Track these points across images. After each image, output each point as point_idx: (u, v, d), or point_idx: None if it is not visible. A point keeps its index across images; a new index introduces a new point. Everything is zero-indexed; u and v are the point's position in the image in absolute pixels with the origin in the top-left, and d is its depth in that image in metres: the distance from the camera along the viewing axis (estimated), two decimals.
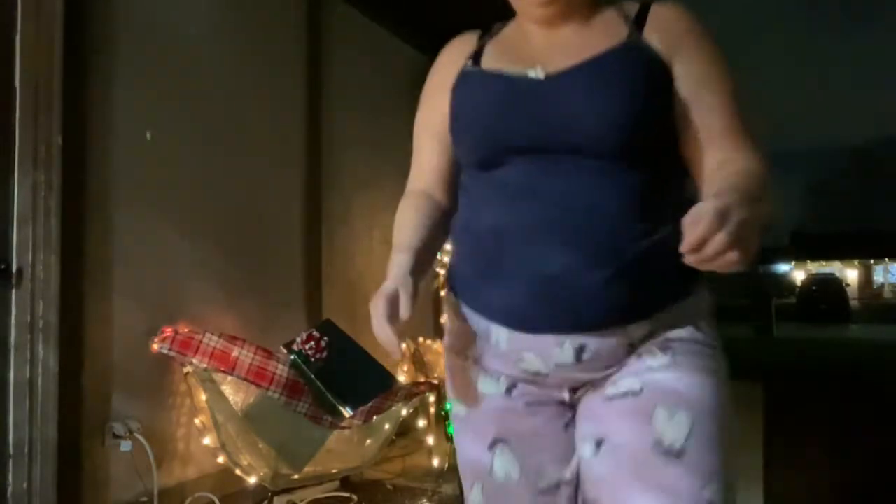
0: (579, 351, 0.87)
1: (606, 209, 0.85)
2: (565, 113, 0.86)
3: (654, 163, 0.89)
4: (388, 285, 0.92)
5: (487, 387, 0.96)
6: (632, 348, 0.89)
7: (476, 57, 1.02)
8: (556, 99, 0.87)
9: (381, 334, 0.88)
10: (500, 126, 0.91)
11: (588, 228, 0.84)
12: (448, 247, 1.10)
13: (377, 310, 0.88)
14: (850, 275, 34.65)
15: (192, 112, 2.65)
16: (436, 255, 1.08)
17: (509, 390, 0.95)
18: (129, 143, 2.39)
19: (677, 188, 0.93)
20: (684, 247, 0.67)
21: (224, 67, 2.81)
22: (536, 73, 0.90)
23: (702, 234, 0.66)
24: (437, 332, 4.03)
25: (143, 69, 2.45)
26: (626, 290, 0.84)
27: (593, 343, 0.87)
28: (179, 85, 2.59)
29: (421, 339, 3.65)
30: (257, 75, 2.99)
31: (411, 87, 4.47)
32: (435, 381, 3.10)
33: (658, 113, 0.88)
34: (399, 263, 0.96)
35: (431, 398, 3.31)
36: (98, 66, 2.30)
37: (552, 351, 0.88)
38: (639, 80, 0.87)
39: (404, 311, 0.88)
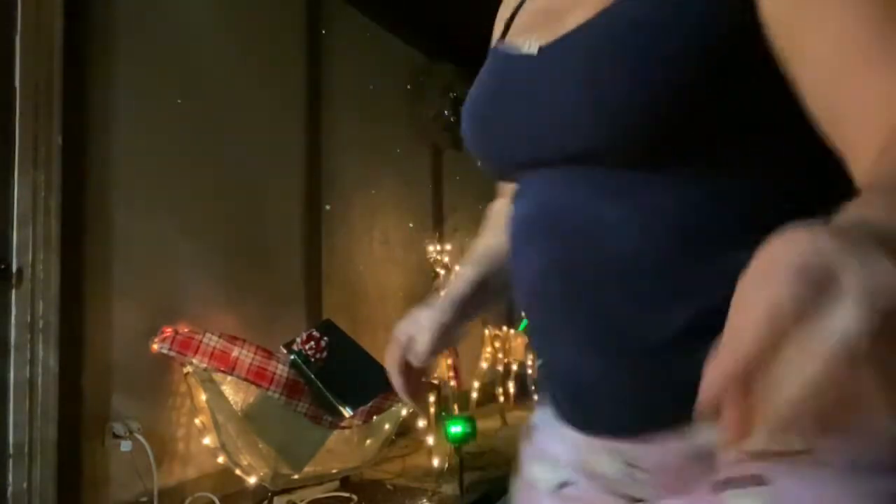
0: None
1: (614, 259, 0.53)
2: (552, 104, 0.56)
3: (726, 166, 0.51)
4: (413, 318, 0.77)
5: (542, 471, 0.68)
6: (702, 463, 0.51)
7: (511, 22, 0.70)
8: (545, 84, 0.57)
9: (394, 383, 0.77)
10: (487, 128, 0.65)
11: (586, 292, 0.55)
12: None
13: (389, 352, 0.77)
14: None
15: (193, 112, 2.65)
16: None
17: (562, 486, 0.64)
18: (130, 143, 2.38)
19: (790, 201, 0.51)
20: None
21: (224, 67, 2.81)
22: (530, 47, 0.60)
23: (718, 391, 0.28)
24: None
25: (144, 69, 2.45)
26: (635, 383, 0.53)
27: (628, 449, 0.55)
28: (179, 85, 2.59)
29: None
30: (257, 75, 2.99)
31: (411, 87, 4.50)
32: (435, 381, 3.10)
33: (724, 83, 0.49)
34: (455, 281, 0.81)
35: (431, 398, 3.31)
36: (98, 66, 2.30)
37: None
38: (679, 34, 0.49)
39: (416, 356, 0.75)
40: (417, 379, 0.79)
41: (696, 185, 0.52)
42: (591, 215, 0.55)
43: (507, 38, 0.67)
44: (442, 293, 0.82)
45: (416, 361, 0.75)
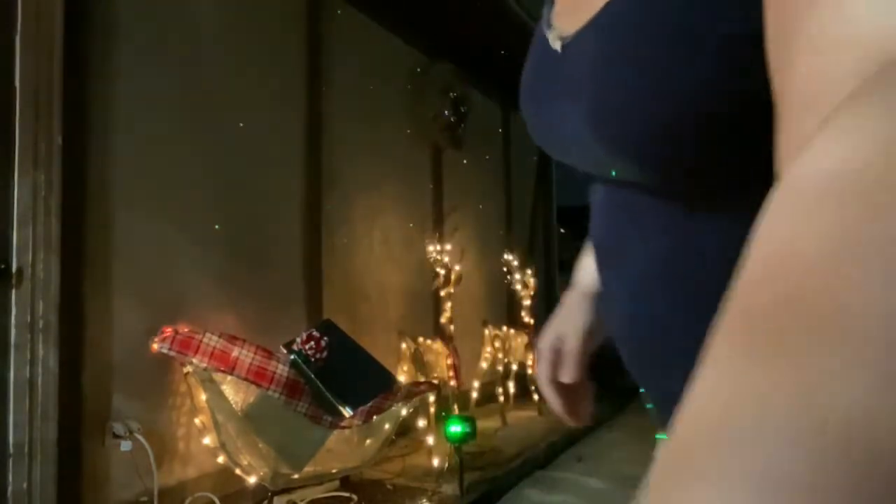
0: None
1: (658, 293, 0.47)
2: (567, 123, 0.48)
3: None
4: (554, 328, 0.70)
5: None
6: None
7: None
8: (563, 98, 0.48)
9: (550, 403, 0.70)
10: (536, 135, 0.57)
11: (639, 328, 0.50)
12: None
13: (538, 370, 0.70)
14: None
15: (193, 111, 2.65)
16: None
17: None
18: (130, 143, 2.38)
19: None
20: None
21: (224, 67, 2.81)
22: (554, 41, 0.50)
23: None
24: (437, 331, 4.03)
25: (144, 69, 2.45)
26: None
27: None
28: (180, 85, 2.59)
29: (421, 339, 3.65)
30: (257, 75, 2.99)
31: (411, 86, 4.49)
32: (435, 382, 3.10)
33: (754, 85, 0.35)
34: (586, 272, 0.71)
35: (431, 398, 3.32)
36: (98, 66, 2.30)
37: None
38: (694, 29, 0.37)
39: (566, 373, 0.68)
40: (574, 393, 0.70)
41: (738, 220, 0.38)
42: (625, 244, 0.49)
43: (554, 10, 0.54)
44: (576, 287, 0.72)
45: (567, 378, 0.68)
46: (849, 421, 0.13)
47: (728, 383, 0.16)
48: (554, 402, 0.69)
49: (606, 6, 0.43)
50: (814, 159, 0.19)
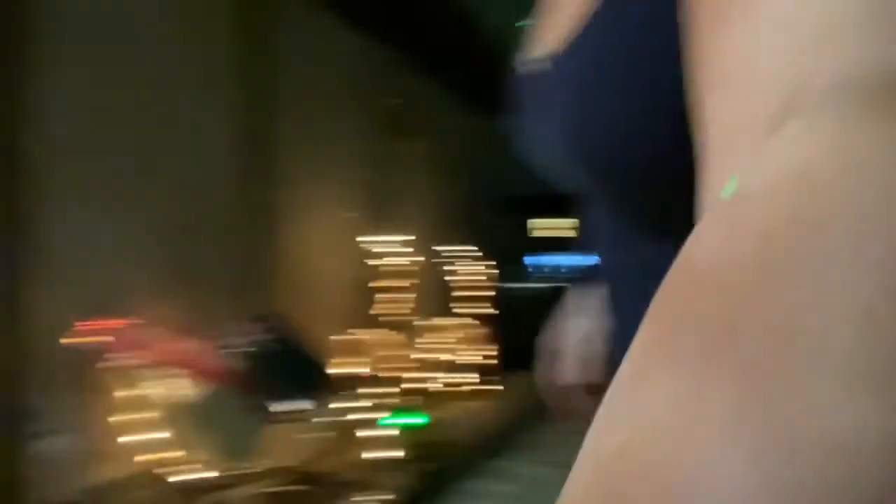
0: None
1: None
2: (545, 138, 0.47)
3: None
4: (557, 329, 0.69)
5: None
6: None
7: None
8: (542, 115, 0.46)
9: (549, 403, 0.70)
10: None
11: (615, 337, 0.52)
12: None
13: (538, 370, 0.70)
14: None
15: (125, 97, 2.56)
16: None
17: None
18: (59, 129, 2.28)
19: None
20: None
21: (158, 52, 2.72)
22: (531, 66, 0.47)
23: None
24: (377, 323, 4.04)
25: (76, 55, 2.36)
26: None
27: None
28: (112, 70, 2.50)
29: (361, 331, 3.65)
30: (193, 59, 2.91)
31: (358, 74, 4.43)
32: (378, 374, 3.11)
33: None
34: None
35: (377, 390, 3.32)
36: (29, 52, 2.19)
37: None
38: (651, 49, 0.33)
39: (559, 374, 0.67)
40: (570, 396, 0.68)
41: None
42: (604, 258, 0.50)
43: (537, 31, 0.51)
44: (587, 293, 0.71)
45: (560, 380, 0.68)
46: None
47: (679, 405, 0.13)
48: (552, 403, 0.68)
49: (583, 30, 0.39)
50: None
